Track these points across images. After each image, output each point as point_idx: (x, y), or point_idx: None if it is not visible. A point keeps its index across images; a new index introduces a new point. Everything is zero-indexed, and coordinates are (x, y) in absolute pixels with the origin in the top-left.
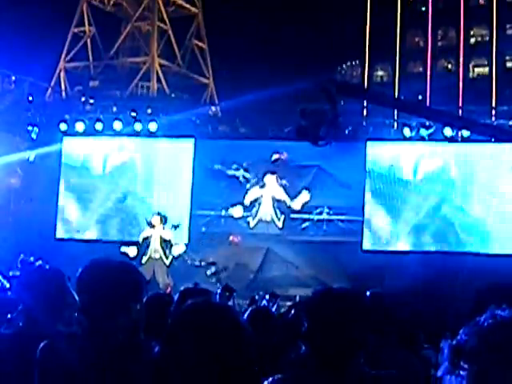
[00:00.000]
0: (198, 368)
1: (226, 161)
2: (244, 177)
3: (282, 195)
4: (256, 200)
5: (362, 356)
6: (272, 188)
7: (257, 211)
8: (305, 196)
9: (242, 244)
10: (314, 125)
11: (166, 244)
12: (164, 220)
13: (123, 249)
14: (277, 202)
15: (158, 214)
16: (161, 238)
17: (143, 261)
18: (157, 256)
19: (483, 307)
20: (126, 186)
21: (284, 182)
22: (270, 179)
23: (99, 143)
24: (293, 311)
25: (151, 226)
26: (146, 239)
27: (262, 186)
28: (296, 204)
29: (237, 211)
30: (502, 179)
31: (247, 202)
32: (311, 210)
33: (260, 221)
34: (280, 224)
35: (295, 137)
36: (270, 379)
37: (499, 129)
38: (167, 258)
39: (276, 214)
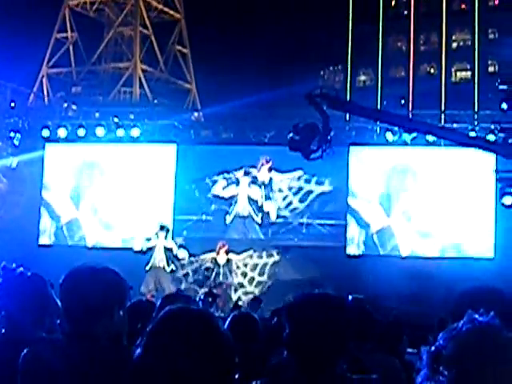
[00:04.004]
0: (176, 375)
1: (208, 166)
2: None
3: (257, 195)
4: (232, 197)
5: (344, 360)
6: (246, 187)
7: (233, 208)
8: (273, 206)
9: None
10: (306, 139)
11: (169, 253)
12: (166, 230)
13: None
14: (252, 201)
15: (161, 225)
16: (164, 247)
17: (147, 268)
18: (161, 265)
19: (463, 312)
20: (107, 192)
21: (258, 184)
22: (243, 179)
23: (81, 149)
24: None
25: (157, 236)
26: (151, 249)
27: (237, 185)
28: (269, 207)
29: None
30: (479, 184)
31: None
32: (292, 213)
33: (236, 216)
34: (259, 219)
35: (277, 142)
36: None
37: (480, 139)
38: (169, 265)
39: (254, 210)
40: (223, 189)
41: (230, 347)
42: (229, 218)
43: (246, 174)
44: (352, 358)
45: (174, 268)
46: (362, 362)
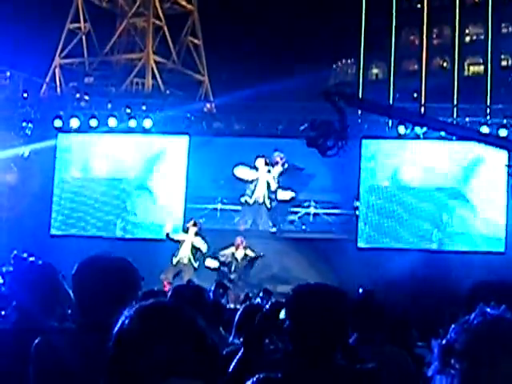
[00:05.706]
0: (149, 375)
1: (220, 157)
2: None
3: (272, 183)
4: (252, 181)
5: (351, 352)
6: (265, 172)
7: (252, 192)
8: (290, 193)
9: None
10: (322, 136)
11: (195, 250)
12: (199, 227)
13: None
14: (268, 188)
15: (193, 220)
16: (192, 244)
17: (174, 262)
18: (185, 261)
19: (475, 305)
20: (121, 183)
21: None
22: (260, 163)
23: (94, 139)
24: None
25: (186, 231)
26: (178, 242)
27: (256, 170)
28: (283, 195)
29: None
30: (491, 180)
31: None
32: (301, 204)
33: (255, 202)
34: (269, 205)
35: (290, 134)
36: (255, 378)
37: (494, 137)
38: (196, 261)
39: (268, 196)
40: (242, 169)
41: (207, 345)
42: (251, 201)
43: (266, 163)
44: (345, 347)
45: (197, 266)
46: (356, 351)
